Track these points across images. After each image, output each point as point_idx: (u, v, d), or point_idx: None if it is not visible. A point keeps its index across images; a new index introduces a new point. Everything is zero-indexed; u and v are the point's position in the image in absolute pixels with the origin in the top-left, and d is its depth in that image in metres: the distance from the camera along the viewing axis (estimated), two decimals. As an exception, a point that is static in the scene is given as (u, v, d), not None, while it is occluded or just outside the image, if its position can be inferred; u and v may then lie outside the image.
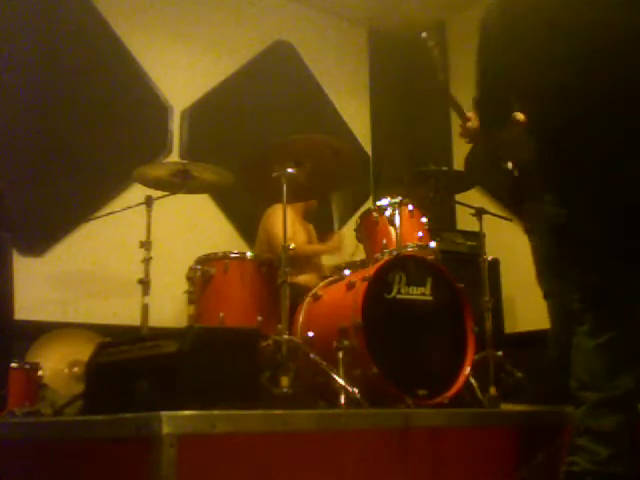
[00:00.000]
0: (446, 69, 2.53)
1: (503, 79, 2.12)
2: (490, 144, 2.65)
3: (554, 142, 2.02)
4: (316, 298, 3.08)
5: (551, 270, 2.85)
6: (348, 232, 3.72)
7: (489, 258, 3.50)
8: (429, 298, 2.94)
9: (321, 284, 3.18)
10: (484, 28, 2.15)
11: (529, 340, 4.33)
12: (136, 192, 3.83)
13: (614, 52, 1.91)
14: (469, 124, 2.67)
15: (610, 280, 1.96)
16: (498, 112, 2.19)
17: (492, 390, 3.04)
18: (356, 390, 2.56)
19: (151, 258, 3.33)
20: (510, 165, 2.39)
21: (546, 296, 2.99)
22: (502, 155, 2.44)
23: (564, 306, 2.32)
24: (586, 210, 1.97)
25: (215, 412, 1.70)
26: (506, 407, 2.92)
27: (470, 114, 2.71)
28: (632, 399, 1.90)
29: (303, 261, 3.87)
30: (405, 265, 2.93)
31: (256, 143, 4.28)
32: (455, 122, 5.53)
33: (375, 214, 3.34)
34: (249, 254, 3.31)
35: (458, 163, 5.38)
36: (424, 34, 2.64)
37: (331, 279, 3.19)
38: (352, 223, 3.66)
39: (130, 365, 2.10)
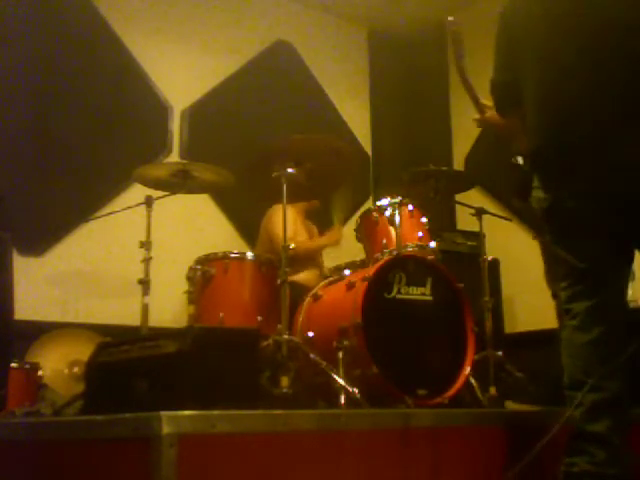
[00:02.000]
0: (465, 56, 2.53)
1: (511, 65, 2.13)
2: (503, 136, 2.64)
3: (540, 126, 2.03)
4: (316, 298, 3.09)
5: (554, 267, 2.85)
6: (348, 232, 3.71)
7: (489, 258, 3.50)
8: (429, 298, 2.94)
9: (321, 284, 3.19)
10: (502, 16, 2.16)
11: (529, 340, 4.34)
12: (136, 192, 3.83)
13: (616, 50, 1.92)
14: (487, 115, 2.66)
15: (597, 264, 1.95)
16: (509, 96, 2.19)
17: (492, 390, 3.04)
18: (356, 390, 2.56)
19: (151, 258, 3.33)
20: (520, 160, 2.39)
21: (553, 296, 2.99)
22: (514, 148, 2.43)
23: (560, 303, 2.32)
24: (570, 193, 1.97)
25: (215, 412, 1.70)
26: (509, 405, 2.91)
27: (485, 101, 2.70)
28: (624, 398, 1.90)
29: (304, 259, 3.87)
30: (405, 265, 2.93)
31: (256, 143, 4.28)
32: (456, 122, 5.60)
33: (375, 214, 3.34)
34: (249, 254, 3.31)
35: (458, 163, 5.39)
36: (451, 18, 2.64)
37: (331, 279, 3.19)
38: (352, 223, 3.66)
39: (130, 365, 2.10)
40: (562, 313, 2.07)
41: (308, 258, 3.95)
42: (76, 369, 3.64)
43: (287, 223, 3.02)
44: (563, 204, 1.98)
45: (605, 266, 1.95)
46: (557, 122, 1.99)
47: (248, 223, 4.51)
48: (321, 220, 4.39)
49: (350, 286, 2.91)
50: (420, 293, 2.92)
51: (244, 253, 3.33)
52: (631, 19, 1.91)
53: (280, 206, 3.82)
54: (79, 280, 4.18)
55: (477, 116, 2.61)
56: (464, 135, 5.38)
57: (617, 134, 1.90)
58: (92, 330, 3.84)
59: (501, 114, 2.31)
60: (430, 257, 3.16)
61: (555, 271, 2.87)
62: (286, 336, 2.80)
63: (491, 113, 2.68)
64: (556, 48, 2.00)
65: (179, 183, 3.42)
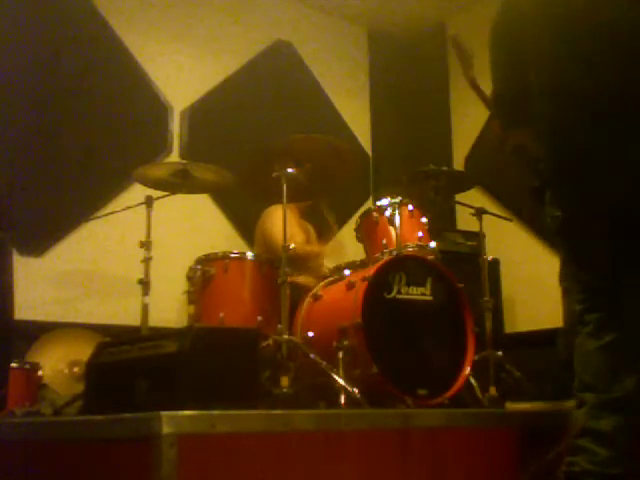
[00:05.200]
0: (473, 66, 2.54)
1: (515, 77, 2.12)
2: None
3: (551, 142, 2.02)
4: (316, 298, 3.08)
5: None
6: (348, 232, 3.71)
7: (489, 258, 3.50)
8: (429, 298, 2.94)
9: (321, 284, 3.18)
10: (495, 26, 2.15)
11: (529, 340, 4.34)
12: (136, 192, 3.83)
13: (616, 53, 1.91)
14: None
15: (611, 280, 1.96)
16: (516, 110, 2.17)
17: (492, 390, 3.04)
18: (356, 390, 2.56)
19: (151, 258, 3.33)
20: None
21: (564, 292, 2.98)
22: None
23: (572, 304, 2.33)
24: (582, 210, 1.97)
25: (215, 412, 1.70)
26: (511, 406, 2.91)
27: None
28: (632, 401, 1.90)
29: (302, 262, 3.87)
30: (405, 265, 2.93)
31: (256, 143, 4.28)
32: (456, 122, 5.61)
33: (375, 214, 3.34)
34: (249, 254, 3.31)
35: (458, 163, 5.39)
36: (454, 33, 2.66)
37: (331, 279, 3.19)
38: (352, 223, 3.66)
39: (130, 365, 2.10)
40: (575, 321, 2.07)
41: (306, 260, 3.95)
42: (76, 369, 3.64)
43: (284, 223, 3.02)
44: (576, 221, 1.98)
45: (620, 280, 1.95)
46: (557, 125, 1.98)
47: (248, 223, 4.50)
48: (318, 220, 4.38)
49: (350, 286, 2.91)
50: (420, 293, 2.92)
51: (244, 253, 3.33)
52: (629, 19, 1.90)
53: (275, 207, 3.85)
54: (79, 280, 4.17)
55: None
56: (464, 135, 5.38)
57: (632, 148, 1.89)
58: (92, 330, 3.84)
59: (506, 129, 2.29)
60: (430, 257, 3.15)
61: (569, 270, 2.87)
62: (286, 336, 2.80)
63: None
64: (555, 49, 1.99)
65: (179, 183, 3.42)
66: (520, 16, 2.09)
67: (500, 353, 3.24)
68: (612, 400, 1.87)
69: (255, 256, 3.30)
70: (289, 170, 3.04)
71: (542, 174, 2.07)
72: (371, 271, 2.86)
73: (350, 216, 4.73)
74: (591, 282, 1.99)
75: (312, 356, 2.75)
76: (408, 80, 5.62)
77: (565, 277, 2.93)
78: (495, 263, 4.41)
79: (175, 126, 4.71)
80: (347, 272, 3.13)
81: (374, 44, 5.79)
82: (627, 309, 1.95)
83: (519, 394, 3.08)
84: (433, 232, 3.45)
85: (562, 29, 1.98)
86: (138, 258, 3.34)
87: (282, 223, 3.03)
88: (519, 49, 2.09)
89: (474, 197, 4.25)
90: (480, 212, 3.53)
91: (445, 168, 3.61)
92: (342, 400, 2.55)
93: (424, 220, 3.38)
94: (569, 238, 2.03)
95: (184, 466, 1.57)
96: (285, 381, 2.64)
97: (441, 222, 4.48)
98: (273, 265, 3.21)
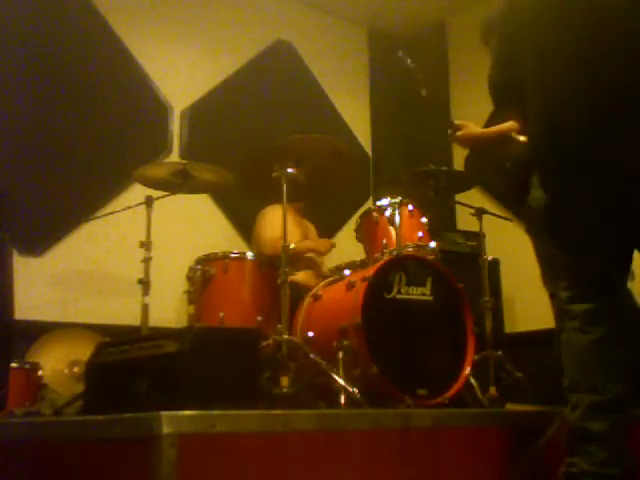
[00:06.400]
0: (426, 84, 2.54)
1: (514, 63, 2.12)
2: (487, 147, 2.66)
3: (545, 130, 2.02)
4: (316, 298, 3.09)
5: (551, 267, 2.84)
6: (348, 232, 3.71)
7: (489, 258, 3.50)
8: (429, 298, 2.94)
9: (321, 284, 3.19)
10: (506, 11, 2.16)
11: (529, 340, 4.34)
12: (136, 192, 3.84)
13: (616, 49, 1.91)
14: (461, 132, 2.69)
15: (597, 266, 1.95)
16: (508, 96, 2.18)
17: (492, 390, 3.04)
18: (356, 390, 2.56)
19: (151, 258, 3.33)
20: (509, 164, 2.39)
21: (551, 296, 2.98)
22: (502, 155, 2.44)
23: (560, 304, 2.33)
24: (571, 195, 1.96)
25: (215, 412, 1.70)
26: (510, 407, 2.91)
27: (459, 122, 2.73)
28: (625, 399, 1.90)
29: (299, 258, 3.86)
30: (405, 265, 2.93)
31: (256, 143, 4.28)
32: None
33: (375, 214, 3.34)
34: (249, 254, 3.31)
35: (458, 163, 5.39)
36: (400, 53, 2.68)
37: (331, 279, 3.19)
38: (352, 223, 3.66)
39: (130, 365, 2.10)
40: (561, 314, 2.06)
41: (302, 259, 3.93)
42: (76, 369, 3.64)
43: (276, 224, 3.02)
44: (563, 204, 1.98)
45: (605, 267, 1.95)
46: (557, 122, 1.99)
47: (248, 223, 4.50)
48: (318, 219, 4.38)
49: (350, 286, 2.91)
50: (420, 293, 2.92)
51: (244, 253, 3.33)
52: (631, 20, 1.91)
53: (272, 208, 3.85)
54: (79, 280, 4.18)
55: (453, 134, 2.62)
56: (464, 135, 5.38)
57: (617, 136, 1.89)
58: (92, 330, 3.84)
59: (498, 108, 2.30)
60: (430, 257, 3.15)
61: (552, 272, 2.88)
62: (286, 336, 2.80)
63: (465, 130, 2.70)
64: (557, 47, 1.99)
65: (179, 183, 3.43)
66: (522, 14, 2.09)
67: (500, 353, 3.24)
68: (607, 401, 1.87)
69: (255, 256, 3.30)
70: (289, 170, 3.04)
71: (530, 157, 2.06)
72: (371, 271, 2.86)
73: (350, 216, 4.73)
74: (581, 269, 1.97)
75: (312, 356, 2.75)
76: (408, 80, 5.60)
77: (550, 280, 2.93)
78: (495, 263, 4.41)
79: (175, 126, 4.71)
80: (347, 272, 3.13)
81: (374, 44, 5.79)
82: (621, 299, 1.94)
83: (519, 394, 3.08)
84: (433, 232, 3.45)
85: (564, 28, 1.98)
86: (138, 258, 3.35)
87: (277, 224, 3.03)
88: (517, 48, 2.09)
89: (474, 197, 4.26)
90: (480, 212, 3.53)
91: (445, 168, 3.61)
92: (342, 400, 2.55)
93: (424, 220, 3.38)
94: (555, 221, 2.01)
95: (184, 466, 1.57)
96: (285, 381, 2.64)
97: (441, 222, 4.48)
98: (273, 265, 3.21)
